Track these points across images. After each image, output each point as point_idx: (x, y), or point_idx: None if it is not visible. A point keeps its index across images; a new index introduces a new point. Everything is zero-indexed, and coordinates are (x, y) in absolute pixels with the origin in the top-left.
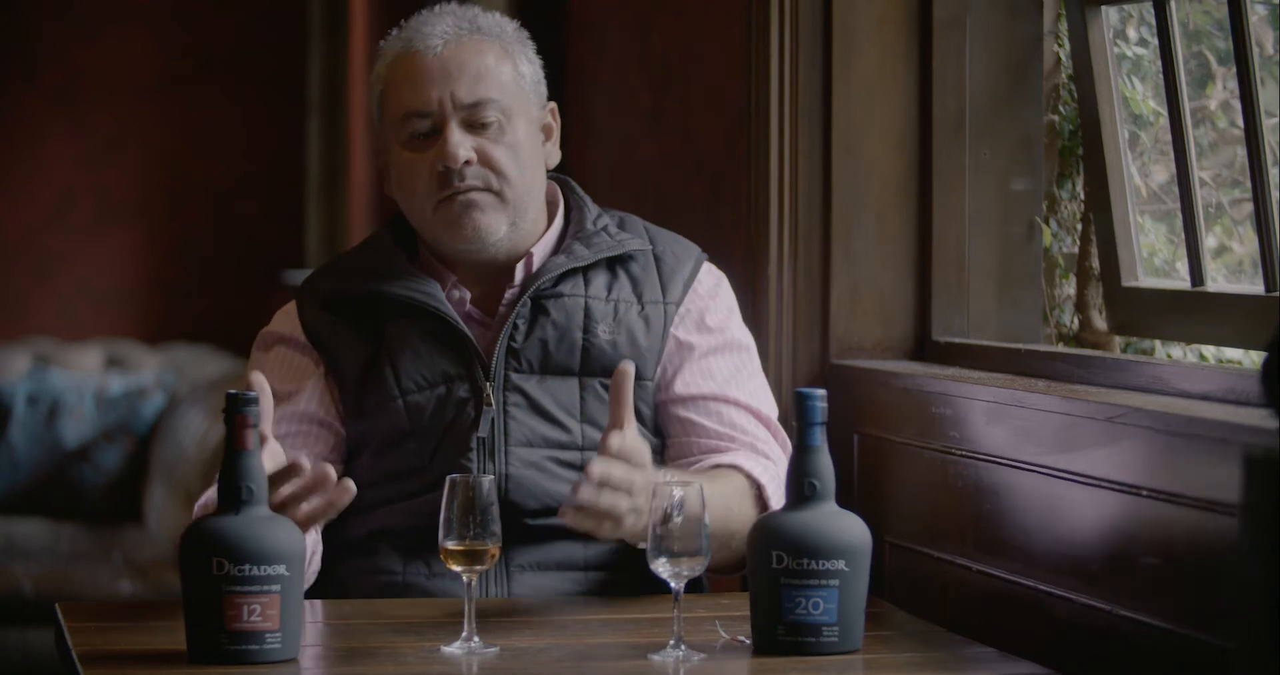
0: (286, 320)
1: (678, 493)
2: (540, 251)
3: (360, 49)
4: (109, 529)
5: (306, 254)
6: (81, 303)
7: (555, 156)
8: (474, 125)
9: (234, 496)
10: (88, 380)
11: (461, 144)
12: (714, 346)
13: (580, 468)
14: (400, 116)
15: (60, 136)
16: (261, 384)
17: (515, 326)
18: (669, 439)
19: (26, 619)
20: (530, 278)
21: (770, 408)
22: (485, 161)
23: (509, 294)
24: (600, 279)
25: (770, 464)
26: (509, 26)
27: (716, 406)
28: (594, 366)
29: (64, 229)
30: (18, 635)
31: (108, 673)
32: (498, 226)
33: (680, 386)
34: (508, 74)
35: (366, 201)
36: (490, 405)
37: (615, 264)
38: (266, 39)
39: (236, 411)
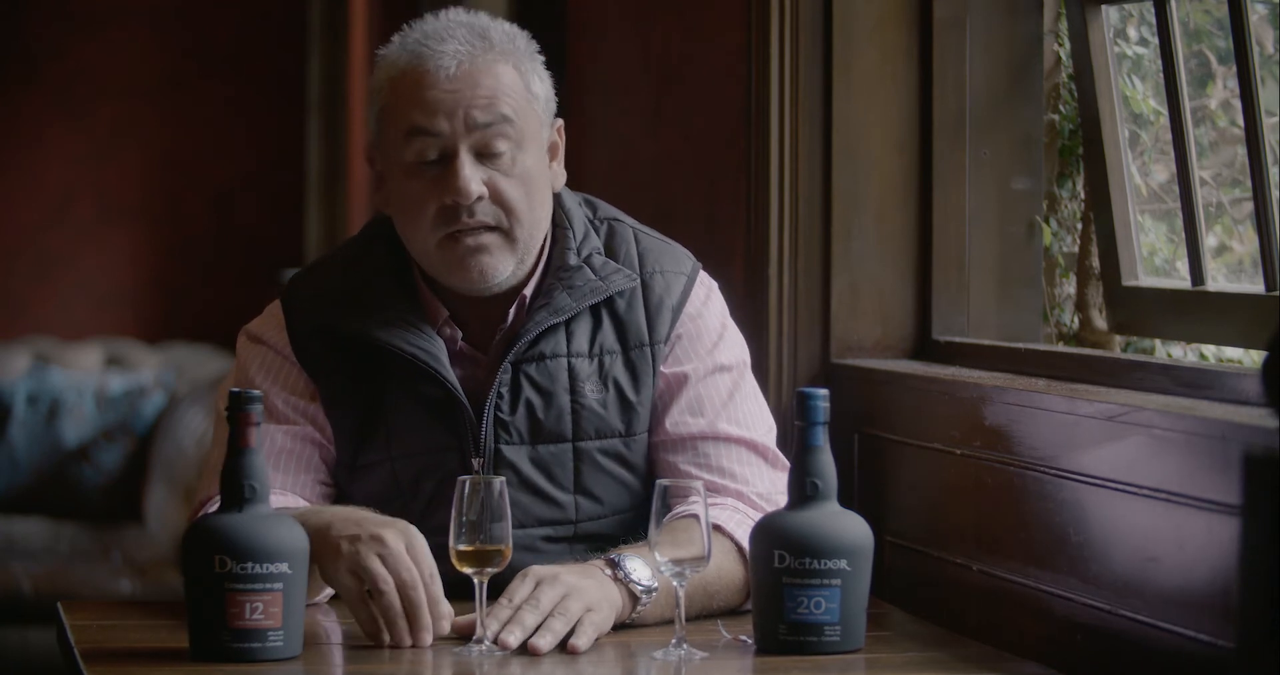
0: (275, 332)
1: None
2: (531, 290)
3: (360, 49)
4: (109, 528)
5: (306, 254)
6: (81, 302)
7: (561, 177)
8: (484, 154)
9: (237, 495)
10: (88, 379)
11: (473, 178)
12: (706, 371)
13: (573, 541)
14: (405, 133)
15: (60, 136)
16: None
17: (500, 394)
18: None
19: (26, 618)
20: (511, 335)
21: (765, 428)
22: (495, 197)
23: (500, 333)
24: (583, 326)
25: (755, 516)
26: (521, 39)
27: (706, 448)
28: (587, 430)
29: (64, 229)
30: (17, 635)
31: (110, 670)
32: (504, 268)
33: (670, 426)
34: (520, 96)
35: (366, 201)
36: None
37: (599, 303)
38: (266, 39)
39: (240, 410)
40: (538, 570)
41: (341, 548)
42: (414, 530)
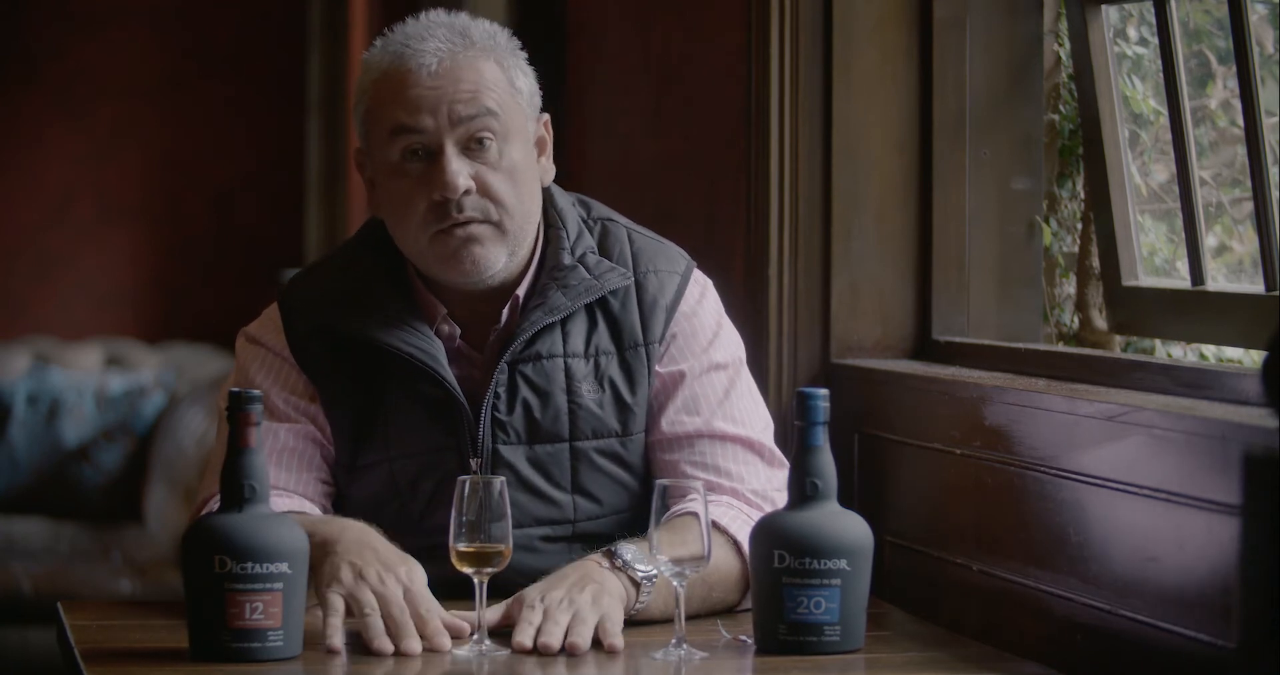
0: (273, 334)
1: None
2: (525, 290)
3: (360, 49)
4: (109, 528)
5: (306, 254)
6: (81, 302)
7: (550, 172)
8: (470, 147)
9: (236, 495)
10: (88, 379)
11: (460, 172)
12: (702, 370)
13: (571, 540)
14: (390, 132)
15: (60, 136)
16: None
17: (497, 394)
18: (655, 480)
19: (26, 618)
20: (508, 334)
21: (762, 426)
22: (484, 190)
23: (494, 334)
24: (578, 327)
25: (751, 512)
26: (502, 37)
27: (702, 446)
28: (584, 430)
29: (64, 229)
30: (17, 635)
31: (110, 670)
32: (497, 259)
33: (666, 425)
34: (504, 90)
35: (366, 201)
36: None
37: (593, 304)
38: (266, 39)
39: (239, 410)
40: (539, 592)
41: (341, 574)
42: (418, 571)
